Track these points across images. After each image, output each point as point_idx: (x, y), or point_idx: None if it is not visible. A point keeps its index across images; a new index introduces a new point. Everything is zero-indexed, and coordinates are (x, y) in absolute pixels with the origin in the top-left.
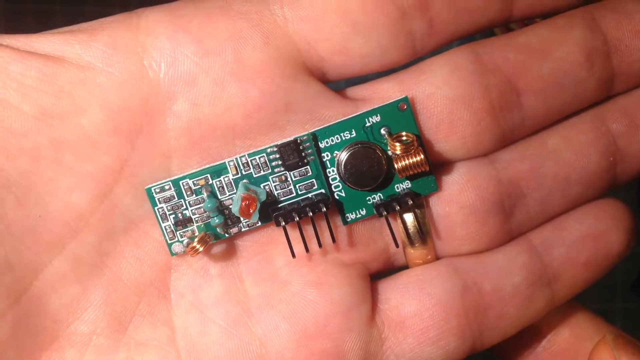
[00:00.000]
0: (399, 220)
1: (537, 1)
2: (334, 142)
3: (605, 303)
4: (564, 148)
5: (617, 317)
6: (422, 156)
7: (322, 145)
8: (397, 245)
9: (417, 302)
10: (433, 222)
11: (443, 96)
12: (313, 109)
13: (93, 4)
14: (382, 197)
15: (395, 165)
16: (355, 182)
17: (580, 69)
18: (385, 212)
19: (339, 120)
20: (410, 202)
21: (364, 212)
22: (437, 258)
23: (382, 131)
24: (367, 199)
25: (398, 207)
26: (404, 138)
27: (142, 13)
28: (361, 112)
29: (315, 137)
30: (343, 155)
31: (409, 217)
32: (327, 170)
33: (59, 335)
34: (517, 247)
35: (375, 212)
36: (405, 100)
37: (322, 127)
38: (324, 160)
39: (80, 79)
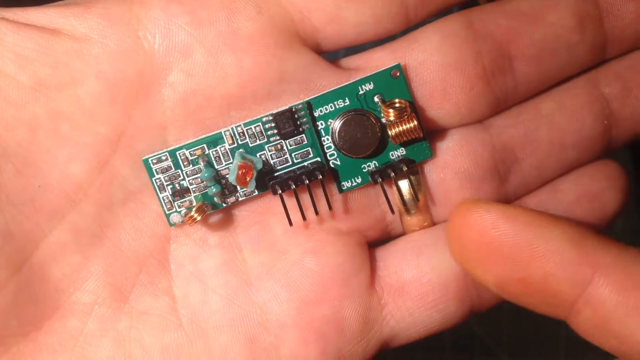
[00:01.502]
0: (395, 188)
1: None
2: (328, 111)
3: None
4: (557, 112)
5: None
6: (415, 122)
7: (316, 114)
8: (392, 212)
9: (415, 268)
10: (428, 189)
11: (435, 63)
12: (307, 79)
13: None
14: (377, 165)
15: (389, 132)
16: (349, 150)
17: (572, 33)
18: (381, 179)
19: (333, 88)
20: (405, 169)
21: (359, 180)
22: (433, 224)
23: (376, 99)
24: (362, 166)
25: (393, 174)
26: (397, 105)
27: None
28: (353, 80)
29: (310, 106)
30: (337, 124)
31: (404, 185)
32: (322, 139)
33: (61, 305)
34: None
35: (370, 179)
36: (398, 67)
37: (316, 95)
38: (319, 129)
39: (75, 50)
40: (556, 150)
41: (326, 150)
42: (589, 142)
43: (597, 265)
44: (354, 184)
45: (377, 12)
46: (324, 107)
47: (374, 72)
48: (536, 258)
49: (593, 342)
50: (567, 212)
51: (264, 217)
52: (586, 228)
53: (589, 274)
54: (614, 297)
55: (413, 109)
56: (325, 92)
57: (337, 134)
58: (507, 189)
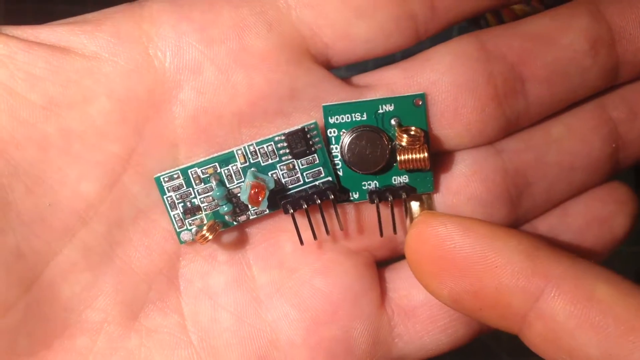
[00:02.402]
0: (406, 210)
1: None
2: (343, 121)
3: None
4: (567, 136)
5: None
6: (425, 154)
7: (331, 120)
8: (381, 235)
9: (426, 292)
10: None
11: (447, 83)
12: (318, 96)
13: (93, 4)
14: (377, 185)
15: (398, 157)
16: (355, 164)
17: (585, 57)
18: (378, 200)
19: (355, 100)
20: (405, 196)
21: (356, 196)
22: None
23: (392, 121)
24: (363, 183)
25: (391, 198)
26: (412, 132)
27: (146, 3)
28: (377, 97)
29: (326, 112)
30: (349, 136)
31: (415, 206)
32: (331, 147)
33: (71, 323)
34: None
35: (367, 198)
36: (422, 96)
37: (335, 103)
38: (330, 136)
39: (86, 68)
40: (566, 174)
41: (332, 159)
42: (598, 165)
43: (549, 277)
44: (351, 198)
45: (387, 27)
46: (340, 116)
47: (397, 96)
48: (489, 270)
49: (545, 358)
50: (577, 237)
51: (274, 234)
52: (540, 239)
53: (541, 285)
54: (565, 309)
55: (426, 139)
56: (345, 102)
57: (346, 146)
58: (518, 213)
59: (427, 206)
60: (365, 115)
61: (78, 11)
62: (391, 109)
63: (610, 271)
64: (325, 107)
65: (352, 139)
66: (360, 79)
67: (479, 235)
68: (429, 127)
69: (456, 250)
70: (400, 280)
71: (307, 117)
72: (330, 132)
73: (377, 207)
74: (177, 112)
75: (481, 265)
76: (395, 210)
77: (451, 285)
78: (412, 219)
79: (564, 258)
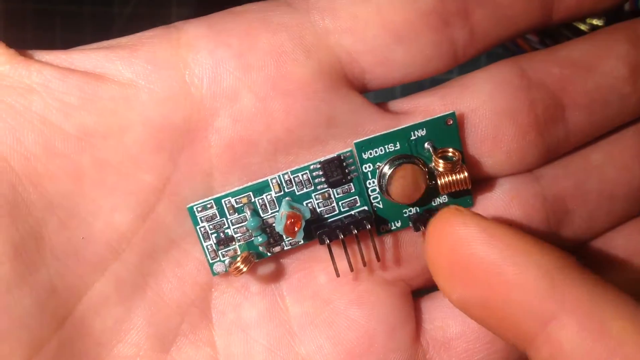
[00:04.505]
0: None
1: (576, 4)
2: (377, 154)
3: None
4: (607, 164)
5: None
6: (466, 174)
7: (364, 156)
8: None
9: (462, 323)
10: None
11: (488, 110)
12: (356, 123)
13: (93, 4)
14: (418, 210)
15: (439, 182)
16: (396, 197)
17: (625, 84)
18: (423, 227)
19: (385, 132)
20: None
21: (399, 224)
22: None
23: (426, 145)
24: (404, 211)
25: None
26: (450, 154)
27: (182, 27)
28: (407, 124)
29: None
30: (387, 168)
31: None
32: (367, 182)
33: (103, 359)
34: None
35: (411, 224)
36: (453, 115)
37: (366, 137)
38: (366, 171)
39: (122, 96)
40: (606, 202)
41: (370, 194)
42: (639, 194)
43: (564, 302)
44: (393, 227)
45: (427, 52)
46: (374, 150)
47: (428, 118)
48: (501, 283)
49: None
50: (617, 270)
51: (308, 265)
52: (570, 257)
53: (554, 310)
54: (573, 340)
55: (462, 159)
56: (376, 135)
57: (386, 179)
58: (557, 242)
59: None
60: (398, 144)
61: (76, 11)
62: (423, 134)
63: (635, 303)
64: (357, 144)
65: (390, 172)
66: (395, 105)
67: (502, 245)
68: (465, 151)
69: (471, 257)
70: (436, 310)
71: (343, 145)
72: (366, 168)
73: (424, 234)
74: (213, 141)
75: (494, 277)
76: None
77: (460, 291)
78: None
79: (587, 282)
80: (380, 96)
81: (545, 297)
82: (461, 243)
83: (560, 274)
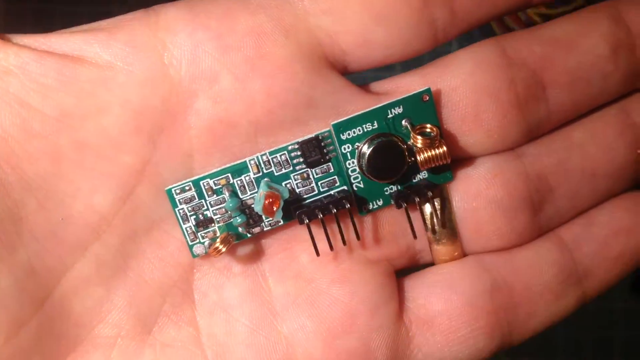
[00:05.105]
0: (424, 216)
1: None
2: (355, 134)
3: (605, 303)
4: (590, 142)
5: (617, 317)
6: (444, 148)
7: (343, 137)
8: (414, 237)
9: (445, 301)
10: (460, 218)
11: (468, 89)
12: (336, 104)
13: (92, 4)
14: (399, 188)
15: (418, 158)
16: (377, 175)
17: (606, 62)
18: (405, 204)
19: (361, 111)
20: (430, 194)
21: (380, 203)
22: (464, 255)
23: (404, 123)
24: (385, 189)
25: (417, 199)
26: (428, 130)
27: (161, 10)
28: (384, 103)
29: (336, 130)
30: (366, 148)
31: (433, 212)
32: (347, 162)
33: (84, 339)
34: (547, 243)
35: (393, 202)
36: (428, 91)
37: (343, 119)
38: (345, 152)
39: (100, 78)
40: (589, 180)
41: (350, 174)
42: (621, 172)
43: None
44: (375, 206)
45: (406, 33)
46: (352, 130)
47: (403, 96)
48: None
49: None
50: (602, 247)
51: (289, 245)
52: None
53: None
54: None
55: (440, 134)
56: (353, 115)
57: (366, 159)
58: (541, 220)
59: (447, 213)
60: (375, 123)
61: (76, 11)
62: (400, 111)
63: None
64: (334, 125)
65: (371, 151)
66: (377, 85)
67: None
68: (446, 129)
69: None
70: (419, 288)
71: (324, 126)
72: (345, 149)
73: (407, 211)
74: (193, 122)
75: None
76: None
77: None
78: (432, 226)
79: None
80: (368, 80)
81: None
82: None
83: None
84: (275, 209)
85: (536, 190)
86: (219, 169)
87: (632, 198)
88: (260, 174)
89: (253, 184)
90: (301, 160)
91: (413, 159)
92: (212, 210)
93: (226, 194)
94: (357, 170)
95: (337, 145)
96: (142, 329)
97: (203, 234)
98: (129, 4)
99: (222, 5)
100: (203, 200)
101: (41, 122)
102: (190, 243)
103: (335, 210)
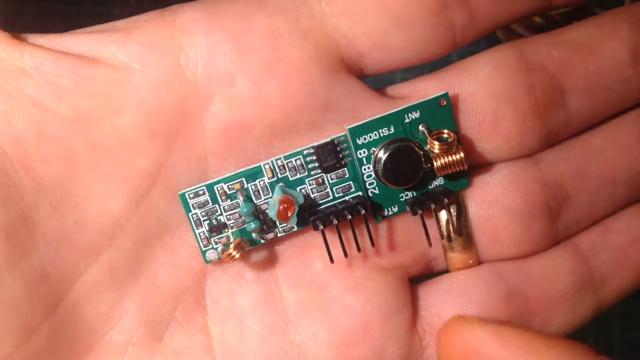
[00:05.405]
0: (439, 223)
1: None
2: (371, 139)
3: None
4: (609, 148)
5: (617, 318)
6: (462, 155)
7: (359, 141)
8: (430, 244)
9: (459, 309)
10: (475, 225)
11: (486, 94)
12: (352, 108)
13: (93, 4)
14: (414, 194)
15: (435, 164)
16: (392, 180)
17: (626, 67)
18: (421, 211)
19: (378, 116)
20: (446, 201)
21: (395, 209)
22: (479, 263)
23: (421, 127)
24: (400, 195)
25: (434, 206)
26: (445, 136)
27: (177, 10)
28: (400, 107)
29: (352, 134)
30: (382, 153)
31: (449, 219)
32: (363, 168)
33: (95, 345)
34: (564, 251)
35: (408, 209)
36: (446, 96)
37: (359, 123)
38: (360, 157)
39: (116, 79)
40: (607, 187)
41: (366, 179)
42: None
43: None
44: (390, 213)
45: (425, 37)
46: (368, 135)
47: (421, 100)
48: None
49: None
50: (619, 255)
51: (303, 252)
52: (586, 350)
53: None
54: None
55: (458, 139)
56: (369, 119)
57: (382, 164)
58: (557, 227)
59: (463, 220)
60: (392, 128)
61: (76, 11)
62: (417, 116)
63: None
64: (350, 130)
65: (387, 157)
66: (394, 89)
67: (513, 347)
68: (464, 135)
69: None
70: (434, 297)
71: (340, 130)
72: (360, 154)
73: (422, 218)
74: (208, 125)
75: None
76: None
77: None
78: (447, 234)
79: None
80: (382, 83)
81: None
82: (473, 349)
83: None
84: (289, 214)
85: (553, 198)
86: (233, 173)
87: None
88: (275, 178)
89: (267, 189)
90: (316, 165)
91: (429, 165)
92: (226, 215)
93: (240, 199)
94: (373, 175)
95: (353, 150)
96: (154, 335)
97: (216, 240)
98: (131, 4)
99: (239, 6)
100: (217, 205)
101: (56, 124)
102: (204, 249)
103: (350, 217)
